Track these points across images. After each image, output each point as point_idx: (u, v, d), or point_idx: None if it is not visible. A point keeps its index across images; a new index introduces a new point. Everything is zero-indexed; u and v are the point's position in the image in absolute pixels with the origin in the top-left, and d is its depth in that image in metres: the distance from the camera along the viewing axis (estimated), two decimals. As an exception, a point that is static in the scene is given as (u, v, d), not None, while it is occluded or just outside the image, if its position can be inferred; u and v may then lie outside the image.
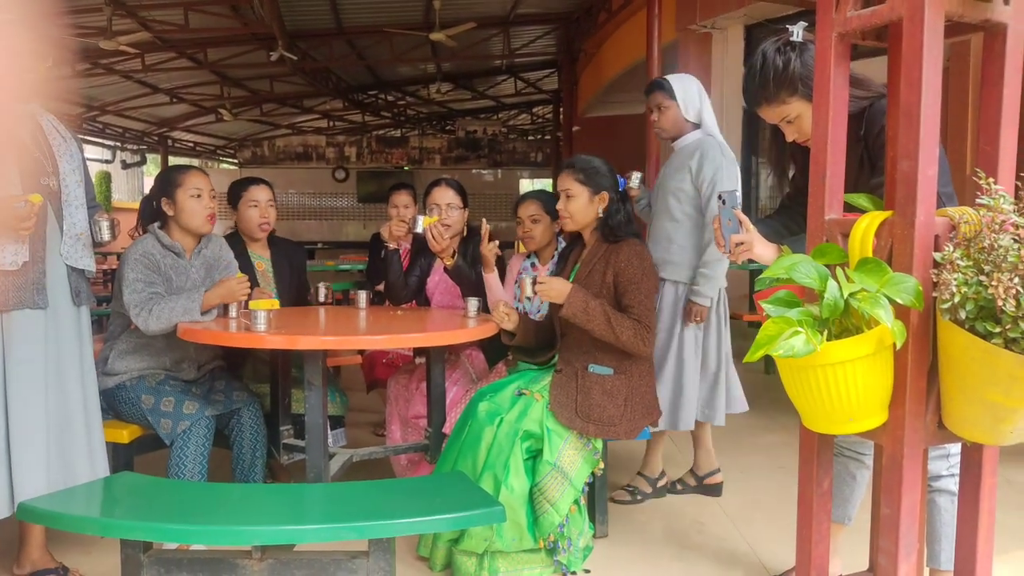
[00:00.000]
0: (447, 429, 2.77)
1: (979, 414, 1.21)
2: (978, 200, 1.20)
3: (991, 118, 1.31)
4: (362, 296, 3.17)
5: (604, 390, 2.48)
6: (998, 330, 1.11)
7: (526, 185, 17.12)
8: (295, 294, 3.25)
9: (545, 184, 16.47)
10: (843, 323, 1.25)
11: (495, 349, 3.06)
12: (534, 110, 16.95)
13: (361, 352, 3.96)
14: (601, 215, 2.61)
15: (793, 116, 1.83)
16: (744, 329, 6.35)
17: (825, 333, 1.20)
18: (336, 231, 16.50)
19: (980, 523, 1.36)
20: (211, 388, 2.74)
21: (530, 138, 18.07)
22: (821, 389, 1.23)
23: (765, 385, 5.78)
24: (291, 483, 2.91)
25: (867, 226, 1.29)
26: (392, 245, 3.30)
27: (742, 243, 1.78)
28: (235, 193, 3.14)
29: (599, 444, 2.46)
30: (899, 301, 1.19)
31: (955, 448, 1.88)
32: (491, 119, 17.52)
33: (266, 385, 2.99)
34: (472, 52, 11.19)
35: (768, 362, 6.07)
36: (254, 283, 3.04)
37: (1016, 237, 1.11)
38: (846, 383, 1.21)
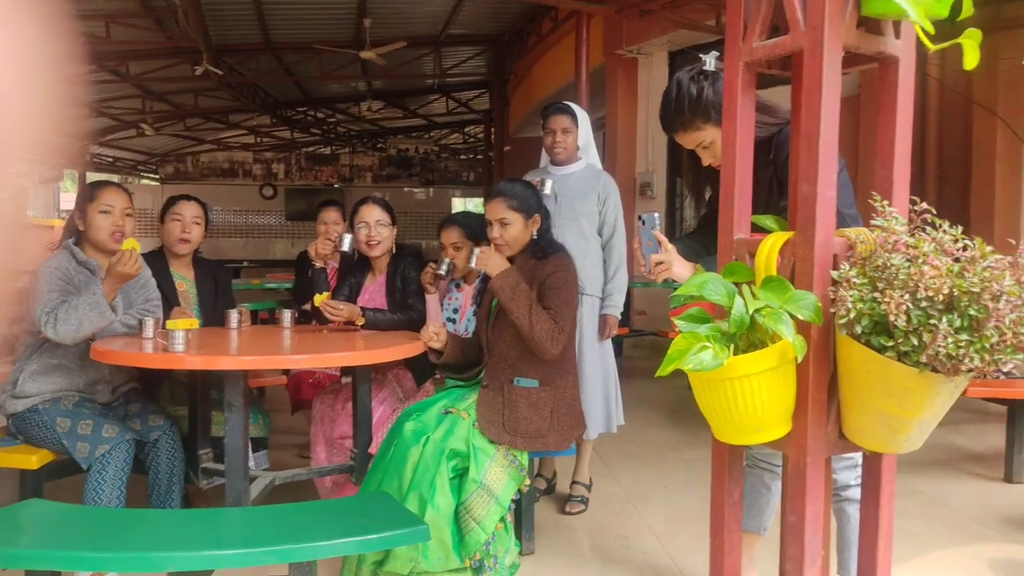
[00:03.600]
0: (373, 449, 2.75)
1: (876, 424, 1.27)
2: (873, 221, 1.27)
3: (886, 144, 1.40)
4: (286, 315, 3.12)
5: (530, 403, 2.51)
6: (891, 344, 1.18)
7: (458, 204, 17.16)
8: (222, 315, 3.18)
9: (477, 204, 16.55)
10: (750, 338, 1.31)
11: (423, 368, 3.05)
12: (466, 129, 17.03)
13: (286, 372, 3.89)
14: (535, 236, 2.67)
15: (708, 142, 1.89)
16: (668, 344, 6.50)
17: (732, 348, 1.25)
18: (263, 249, 16.17)
19: (880, 529, 1.42)
20: (126, 411, 2.65)
21: (462, 157, 18.14)
22: (729, 401, 1.27)
23: (689, 400, 5.90)
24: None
25: (771, 246, 1.35)
26: (319, 263, 3.27)
27: (661, 263, 1.82)
28: (164, 208, 3.09)
29: (525, 460, 2.48)
30: (800, 317, 1.25)
31: (862, 458, 1.97)
32: (423, 138, 17.53)
33: (184, 407, 2.91)
34: (403, 71, 11.18)
35: (693, 378, 6.23)
36: (174, 302, 2.96)
37: (908, 256, 1.18)
38: (752, 395, 1.26)
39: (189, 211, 3.05)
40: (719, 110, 1.79)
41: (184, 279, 3.11)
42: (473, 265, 2.68)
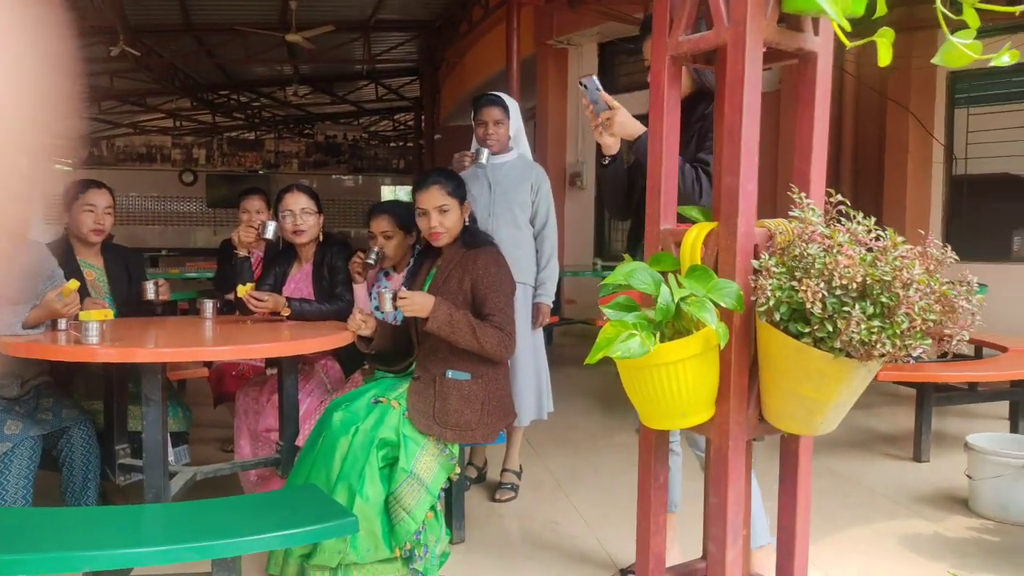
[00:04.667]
0: (300, 442, 2.70)
1: (794, 407, 1.32)
2: (791, 212, 1.31)
3: (804, 138, 1.44)
4: (208, 305, 3.03)
5: (462, 396, 2.50)
6: (808, 330, 1.22)
7: (387, 192, 16.95)
8: (136, 303, 3.06)
9: (407, 192, 16.38)
10: (675, 326, 1.33)
11: (351, 358, 3.01)
12: (396, 116, 16.82)
13: (208, 364, 3.78)
14: (467, 223, 2.66)
15: None
16: (596, 332, 6.59)
17: (658, 335, 1.27)
18: (183, 237, 15.63)
19: (798, 508, 1.48)
20: (37, 406, 2.53)
21: (392, 144, 17.91)
22: (655, 387, 1.30)
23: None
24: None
25: (696, 236, 1.38)
26: (242, 252, 3.18)
27: (609, 117, 1.97)
28: (70, 195, 2.93)
29: (455, 449, 2.48)
30: (723, 305, 1.28)
31: None
32: (352, 124, 17.23)
33: (99, 401, 2.80)
34: (331, 56, 10.96)
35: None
36: (84, 293, 2.84)
37: (823, 246, 1.22)
38: (677, 381, 1.29)
39: (102, 200, 2.92)
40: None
41: (93, 267, 2.97)
42: (388, 309, 2.52)
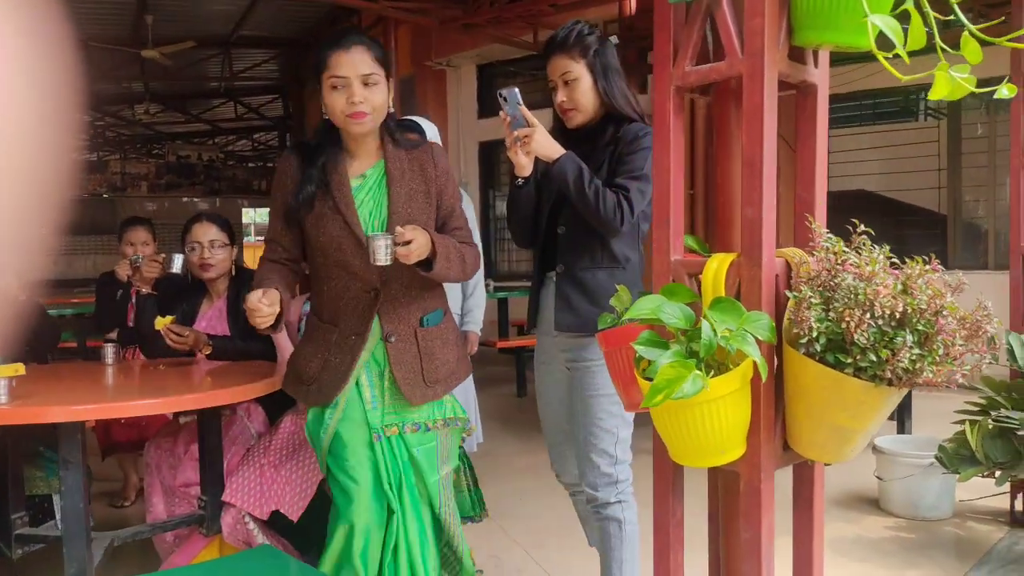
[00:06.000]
0: (230, 498, 2.45)
1: (827, 436, 1.33)
2: (820, 241, 1.33)
3: (807, 167, 1.47)
4: (110, 350, 2.74)
5: (443, 340, 2.08)
6: (848, 360, 1.23)
7: (249, 214, 16.21)
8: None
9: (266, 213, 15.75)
10: (708, 361, 1.31)
11: (275, 403, 2.80)
12: (255, 136, 16.15)
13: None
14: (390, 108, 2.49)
15: (572, 77, 2.08)
16: (494, 355, 6.55)
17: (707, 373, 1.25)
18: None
19: (814, 534, 1.50)
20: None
21: (251, 165, 17.16)
22: (698, 425, 1.27)
23: (516, 407, 6.01)
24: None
25: (718, 267, 1.37)
26: (144, 289, 2.91)
27: (526, 135, 1.95)
28: None
29: (452, 403, 2.15)
30: (759, 337, 1.28)
31: (624, 475, 2.11)
32: (206, 144, 16.36)
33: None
34: (189, 72, 10.38)
35: (520, 385, 6.32)
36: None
37: (859, 276, 1.24)
38: (720, 418, 1.27)
39: None
40: (601, 65, 2.08)
41: None
42: (384, 262, 1.80)
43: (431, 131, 3.17)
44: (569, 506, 2.42)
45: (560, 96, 2.11)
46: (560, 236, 2.16)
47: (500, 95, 1.96)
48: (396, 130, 2.00)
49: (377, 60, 1.89)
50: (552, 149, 2.00)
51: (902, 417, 4.26)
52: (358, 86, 1.85)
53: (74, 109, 0.52)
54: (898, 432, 4.15)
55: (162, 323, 2.53)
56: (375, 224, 1.95)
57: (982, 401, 2.86)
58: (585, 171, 2.00)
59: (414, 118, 3.21)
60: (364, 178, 1.98)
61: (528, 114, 1.96)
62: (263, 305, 1.79)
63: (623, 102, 2.12)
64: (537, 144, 1.97)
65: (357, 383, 2.00)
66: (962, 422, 2.83)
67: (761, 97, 1.33)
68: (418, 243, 1.79)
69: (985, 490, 3.20)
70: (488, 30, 5.97)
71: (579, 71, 2.08)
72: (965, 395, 2.68)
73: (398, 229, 1.79)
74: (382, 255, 1.77)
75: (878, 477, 3.32)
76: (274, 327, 1.87)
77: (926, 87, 6.20)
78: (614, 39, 2.16)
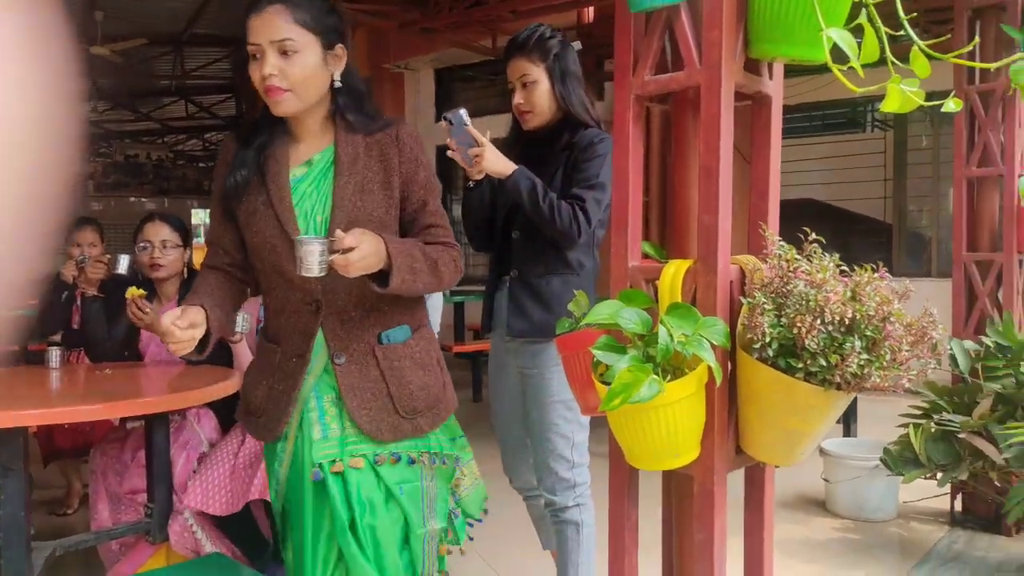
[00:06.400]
0: (195, 503, 2.40)
1: (778, 439, 1.36)
2: (773, 249, 1.36)
3: (761, 176, 1.51)
4: (54, 354, 2.66)
5: (414, 360, 1.69)
6: (800, 365, 1.26)
7: (199, 215, 15.89)
8: None
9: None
10: (663, 365, 1.33)
11: (228, 408, 2.75)
12: (206, 136, 15.85)
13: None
14: (337, 82, 2.36)
15: (531, 79, 2.12)
16: (450, 360, 6.52)
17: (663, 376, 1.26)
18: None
19: (764, 533, 1.53)
20: None
21: (201, 165, 16.83)
22: (654, 429, 1.29)
23: (475, 413, 5.99)
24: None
25: (675, 273, 1.40)
26: (91, 291, 2.83)
27: (478, 155, 1.96)
28: None
29: (442, 437, 1.78)
30: (714, 342, 1.30)
31: (581, 478, 2.13)
32: (156, 143, 16.00)
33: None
34: (139, 70, 10.14)
35: (476, 390, 6.30)
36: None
37: (809, 283, 1.27)
38: (676, 421, 1.29)
39: None
40: (560, 69, 2.11)
41: None
42: (317, 272, 1.45)
43: None
44: (523, 510, 2.43)
45: (518, 98, 2.14)
46: (515, 241, 2.17)
47: (445, 118, 1.95)
48: (350, 109, 1.62)
49: (299, 23, 1.54)
50: (503, 166, 2.01)
51: (848, 421, 4.37)
52: (272, 55, 1.53)
53: (73, 109, 0.51)
54: (844, 435, 4.26)
55: (133, 292, 2.51)
56: (317, 222, 1.60)
57: (925, 405, 2.95)
58: (539, 185, 2.01)
59: None
60: (310, 165, 1.63)
61: (476, 133, 1.96)
62: (176, 328, 1.45)
63: (580, 108, 2.14)
64: (488, 163, 1.98)
65: (305, 411, 1.65)
66: (906, 425, 2.91)
67: (719, 107, 1.35)
68: (362, 252, 1.43)
69: (927, 491, 3.30)
70: (447, 34, 5.97)
71: (537, 74, 2.11)
72: (909, 399, 2.77)
73: (338, 232, 1.44)
74: (315, 264, 1.43)
75: (825, 479, 3.39)
76: (199, 351, 1.53)
77: (873, 99, 6.40)
78: (577, 44, 2.18)
